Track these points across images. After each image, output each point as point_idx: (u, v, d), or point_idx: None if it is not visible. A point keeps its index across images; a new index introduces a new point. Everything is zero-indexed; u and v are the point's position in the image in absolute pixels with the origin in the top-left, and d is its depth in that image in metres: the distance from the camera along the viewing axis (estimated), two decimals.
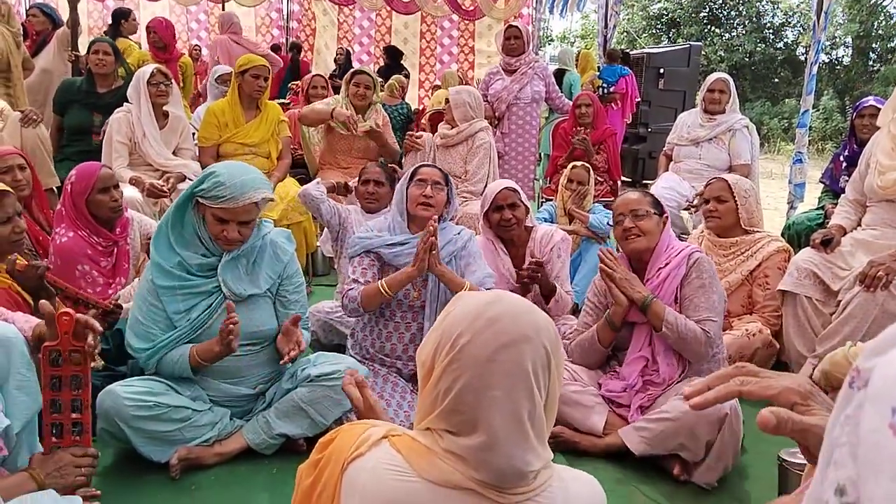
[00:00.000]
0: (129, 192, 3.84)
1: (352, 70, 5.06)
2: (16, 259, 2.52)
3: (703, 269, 2.59)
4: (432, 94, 8.96)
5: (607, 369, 2.82)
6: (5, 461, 1.98)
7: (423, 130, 5.62)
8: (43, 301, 1.93)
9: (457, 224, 4.36)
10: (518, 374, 1.09)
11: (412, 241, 2.85)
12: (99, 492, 2.22)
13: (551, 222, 4.40)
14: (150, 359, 2.44)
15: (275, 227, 2.74)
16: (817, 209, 4.34)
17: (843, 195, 3.67)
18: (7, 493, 1.68)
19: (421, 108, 7.49)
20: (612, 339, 2.73)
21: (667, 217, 2.70)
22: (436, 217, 2.82)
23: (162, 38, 6.25)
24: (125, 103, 4.33)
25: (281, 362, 2.47)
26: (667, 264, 2.63)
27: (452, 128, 4.85)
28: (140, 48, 6.58)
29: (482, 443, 1.08)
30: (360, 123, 4.73)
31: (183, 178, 4.28)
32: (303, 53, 10.08)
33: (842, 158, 4.26)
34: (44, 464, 1.90)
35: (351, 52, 10.96)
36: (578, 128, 5.25)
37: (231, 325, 2.32)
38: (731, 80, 4.95)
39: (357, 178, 3.87)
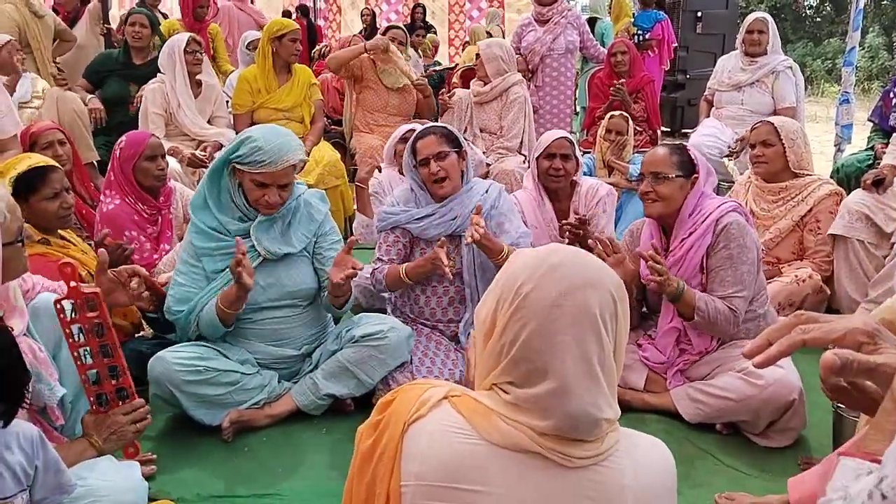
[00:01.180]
0: (171, 163, 3.87)
1: (386, 25, 5.01)
2: (107, 234, 2.58)
3: (732, 237, 2.43)
4: (462, 50, 8.81)
5: (645, 327, 2.78)
6: (63, 429, 2.03)
7: (456, 88, 5.52)
8: (102, 251, 1.95)
9: (492, 180, 4.34)
10: (585, 319, 1.06)
11: (439, 210, 2.78)
12: (155, 455, 2.28)
13: (590, 175, 4.32)
14: (188, 315, 2.47)
15: (310, 189, 2.75)
16: (866, 150, 4.19)
17: (894, 134, 3.53)
18: (69, 462, 1.72)
19: (453, 66, 7.35)
20: (635, 317, 2.70)
21: (696, 178, 2.51)
22: (476, 207, 2.68)
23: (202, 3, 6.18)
24: (158, 73, 4.34)
25: (334, 279, 2.37)
26: (691, 233, 2.49)
27: (485, 84, 4.77)
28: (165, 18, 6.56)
29: (553, 389, 1.05)
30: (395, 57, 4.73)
31: (219, 147, 4.29)
32: (327, 11, 9.93)
33: (892, 95, 4.08)
34: (99, 429, 1.94)
35: (378, 11, 10.80)
36: (615, 77, 5.11)
37: (239, 256, 2.27)
38: (770, 19, 4.75)
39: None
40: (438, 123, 2.89)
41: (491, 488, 1.06)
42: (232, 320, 2.49)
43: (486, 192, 2.87)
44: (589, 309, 1.06)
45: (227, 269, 2.45)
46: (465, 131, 4.81)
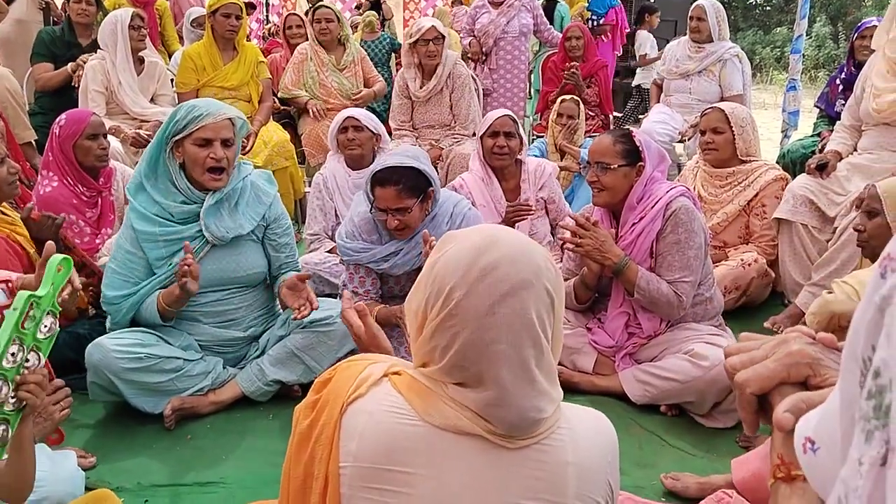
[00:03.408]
0: (112, 143, 3.74)
1: (311, 6, 4.89)
2: (32, 208, 2.46)
3: (680, 223, 2.44)
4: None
5: (595, 311, 2.79)
6: None
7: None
8: (50, 243, 1.86)
9: (448, 164, 4.30)
10: (521, 325, 1.02)
11: (405, 247, 2.58)
12: (94, 457, 2.21)
13: (543, 158, 4.32)
14: (129, 309, 2.40)
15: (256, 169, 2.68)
16: (812, 136, 4.27)
17: (839, 121, 3.60)
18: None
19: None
20: (589, 298, 2.71)
21: (641, 166, 2.50)
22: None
23: None
24: (98, 50, 4.17)
25: (293, 317, 2.38)
26: (641, 218, 2.50)
27: (420, 81, 4.54)
28: None
29: (491, 397, 1.03)
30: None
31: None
32: None
33: (838, 81, 4.16)
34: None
35: None
36: (569, 61, 5.10)
37: (185, 267, 2.24)
38: (715, 6, 4.70)
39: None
40: (405, 162, 2.44)
41: (431, 471, 1.04)
42: (173, 316, 2.43)
43: (451, 216, 2.62)
44: (525, 314, 1.02)
45: (171, 258, 2.39)
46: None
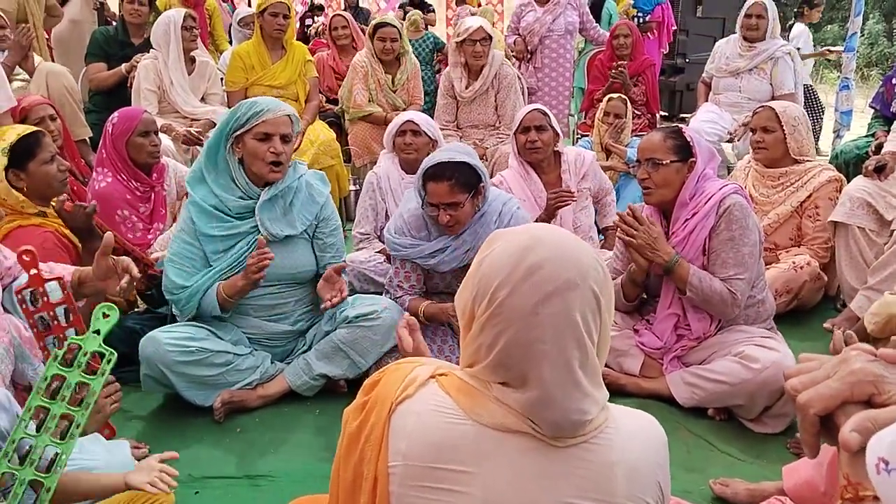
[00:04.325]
0: (163, 140, 3.82)
1: (373, 23, 4.75)
2: (64, 199, 2.53)
3: (734, 219, 2.39)
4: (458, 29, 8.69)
5: (643, 312, 2.76)
6: None
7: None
8: (109, 233, 1.92)
9: (493, 164, 4.28)
10: (566, 325, 1.02)
11: (452, 244, 2.61)
12: (146, 447, 2.25)
13: None
14: (190, 298, 2.44)
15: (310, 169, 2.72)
16: (866, 136, 4.15)
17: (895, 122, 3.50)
18: None
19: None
20: (638, 295, 2.67)
21: (693, 161, 2.45)
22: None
23: None
24: (151, 49, 4.27)
25: (322, 307, 2.44)
26: (694, 214, 2.45)
27: (466, 81, 4.55)
28: None
29: (535, 397, 1.03)
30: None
31: (212, 126, 4.23)
32: None
33: (894, 81, 4.04)
34: None
35: None
36: (616, 60, 5.05)
37: (261, 262, 2.30)
38: (771, 4, 4.65)
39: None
40: (457, 157, 2.49)
41: (479, 468, 1.04)
42: (232, 308, 2.48)
43: (499, 214, 2.64)
44: (570, 315, 1.02)
45: (227, 252, 2.45)
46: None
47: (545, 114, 3.25)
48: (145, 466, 1.56)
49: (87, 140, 4.10)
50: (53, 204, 2.56)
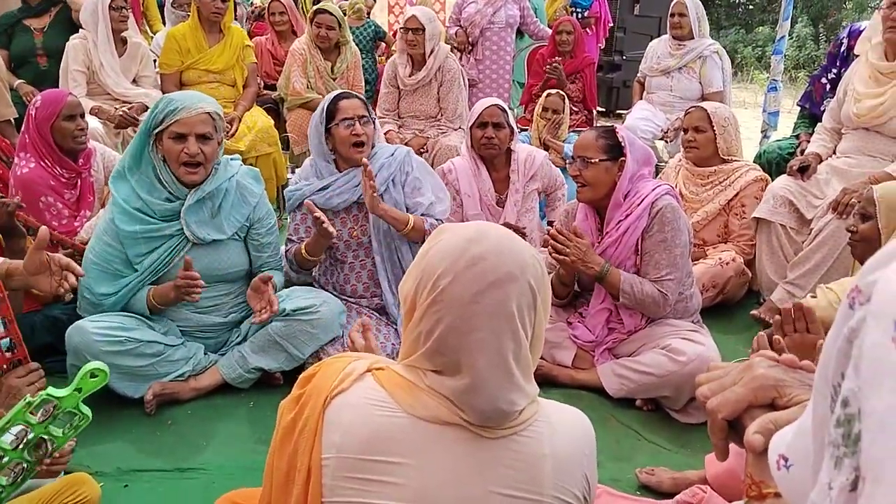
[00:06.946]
0: (91, 123, 3.69)
1: (314, 8, 4.66)
2: None
3: (666, 221, 2.47)
4: (402, 19, 8.64)
5: (576, 305, 2.83)
6: None
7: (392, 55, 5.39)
8: (44, 228, 1.84)
9: (434, 156, 4.30)
10: (503, 316, 1.05)
11: (341, 178, 2.70)
12: (73, 441, 2.18)
13: None
14: (114, 305, 2.40)
15: (242, 159, 2.67)
16: (790, 137, 4.32)
17: (819, 123, 3.65)
18: None
19: (392, 33, 7.20)
20: (568, 293, 2.74)
21: (623, 161, 2.51)
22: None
23: None
24: (80, 29, 4.11)
25: (251, 320, 2.43)
26: (627, 216, 2.52)
27: (411, 68, 4.57)
28: None
29: (466, 385, 1.06)
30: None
31: (145, 109, 4.10)
32: None
33: (824, 80, 4.17)
34: None
35: None
36: (558, 55, 5.10)
37: (189, 290, 2.30)
38: (695, 2, 4.75)
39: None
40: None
41: (412, 460, 1.06)
42: (161, 312, 2.45)
43: (392, 154, 2.77)
44: (506, 306, 1.05)
45: (150, 254, 2.39)
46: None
47: (504, 110, 3.20)
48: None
49: (12, 121, 3.93)
50: None
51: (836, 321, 0.52)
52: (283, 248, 2.82)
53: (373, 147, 2.74)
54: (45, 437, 1.46)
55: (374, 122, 2.74)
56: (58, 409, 1.45)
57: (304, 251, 2.63)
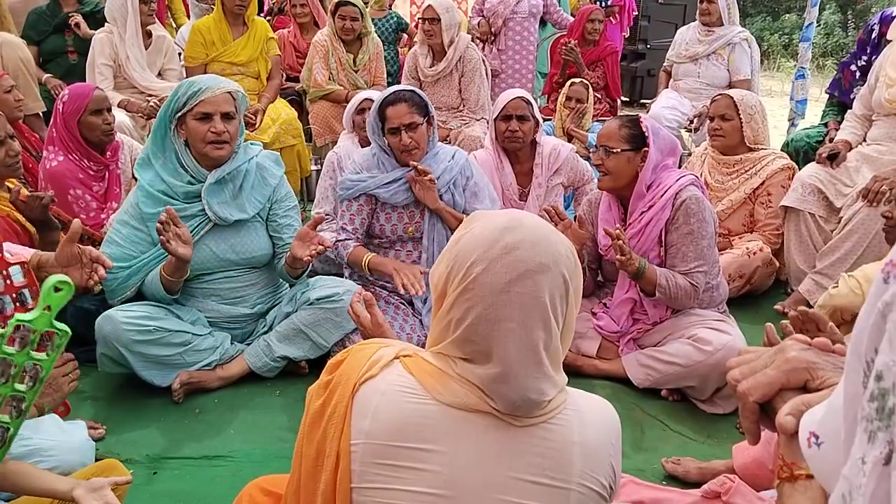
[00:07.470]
0: (119, 116, 3.73)
1: (335, 0, 4.64)
2: (20, 189, 2.45)
3: (691, 213, 2.43)
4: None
5: (601, 296, 2.81)
6: None
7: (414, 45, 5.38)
8: (76, 221, 1.87)
9: (457, 146, 4.27)
10: (534, 306, 1.05)
11: (404, 177, 2.74)
12: (104, 428, 2.23)
13: None
14: (129, 277, 2.41)
15: (265, 150, 2.68)
16: (819, 125, 4.25)
17: (850, 111, 3.59)
18: None
19: (414, 24, 7.18)
20: (590, 285, 2.75)
21: (646, 151, 2.48)
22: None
23: None
24: (106, 24, 4.16)
25: (304, 258, 2.36)
26: (650, 207, 2.49)
27: (431, 59, 4.55)
28: None
29: (496, 374, 1.05)
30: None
31: None
32: None
33: (854, 68, 4.09)
34: None
35: None
36: (569, 40, 5.02)
37: (160, 226, 2.23)
38: None
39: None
40: (406, 87, 2.79)
41: (440, 446, 1.06)
42: (177, 287, 2.45)
43: (453, 157, 2.82)
44: (538, 296, 1.05)
45: None
46: None
47: (528, 102, 3.15)
48: (97, 486, 1.50)
49: (40, 114, 3.98)
50: (10, 187, 2.49)
51: (868, 297, 0.51)
52: (329, 236, 2.82)
53: (433, 145, 2.79)
54: (30, 363, 1.41)
55: (431, 120, 2.75)
56: (33, 333, 1.40)
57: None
